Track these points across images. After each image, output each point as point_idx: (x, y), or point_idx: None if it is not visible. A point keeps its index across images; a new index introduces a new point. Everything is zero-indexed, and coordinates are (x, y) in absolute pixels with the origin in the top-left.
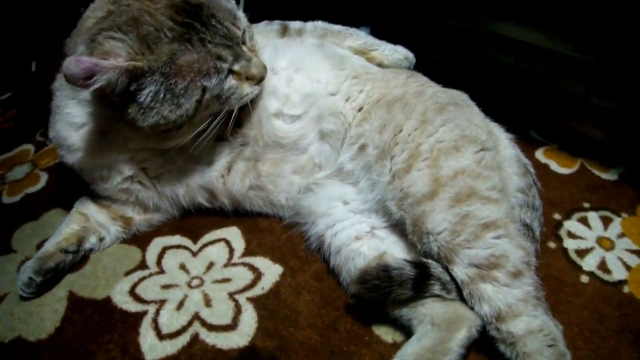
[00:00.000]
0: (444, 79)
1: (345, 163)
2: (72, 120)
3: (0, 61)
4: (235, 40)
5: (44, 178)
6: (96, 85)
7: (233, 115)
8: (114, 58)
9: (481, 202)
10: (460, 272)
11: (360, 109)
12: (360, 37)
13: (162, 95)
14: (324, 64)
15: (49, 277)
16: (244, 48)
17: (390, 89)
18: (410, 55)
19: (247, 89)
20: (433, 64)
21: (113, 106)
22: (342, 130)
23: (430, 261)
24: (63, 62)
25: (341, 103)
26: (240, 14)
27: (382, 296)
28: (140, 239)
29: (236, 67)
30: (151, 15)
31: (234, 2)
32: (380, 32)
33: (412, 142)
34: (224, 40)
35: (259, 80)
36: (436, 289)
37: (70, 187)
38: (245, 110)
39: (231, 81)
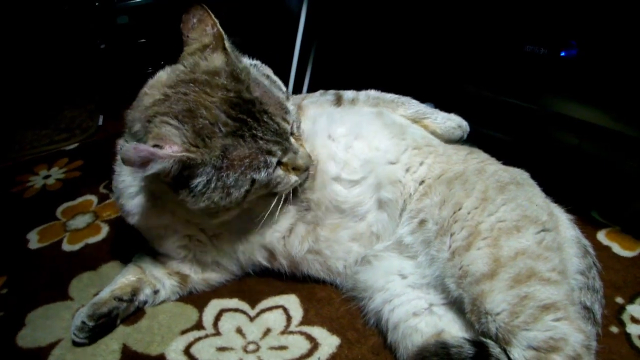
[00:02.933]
0: (506, 157)
1: (405, 236)
2: (127, 190)
3: (69, 112)
4: (285, 136)
5: (104, 230)
6: (151, 172)
7: (279, 203)
8: (170, 145)
9: (541, 284)
10: (518, 354)
11: (421, 183)
12: (412, 106)
13: (213, 185)
14: (383, 132)
15: (102, 323)
16: (292, 140)
17: (451, 164)
18: (464, 123)
19: (294, 178)
20: (495, 142)
21: (166, 185)
22: (401, 201)
23: (489, 341)
24: (118, 142)
25: (401, 173)
26: (290, 105)
27: None
28: (197, 299)
29: (284, 159)
30: (207, 109)
31: (285, 90)
32: (443, 108)
33: (472, 220)
34: (274, 136)
35: (305, 169)
36: None
37: (130, 241)
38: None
39: (279, 172)
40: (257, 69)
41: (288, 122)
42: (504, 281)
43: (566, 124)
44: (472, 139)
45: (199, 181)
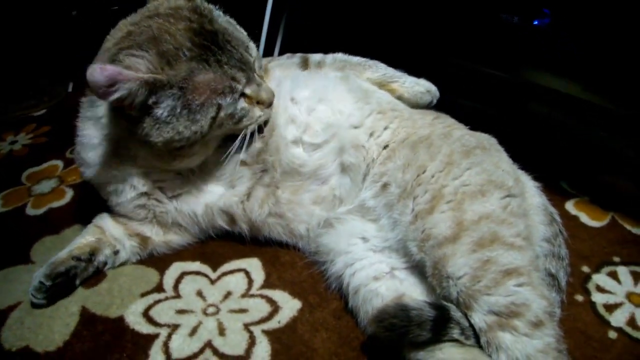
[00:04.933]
0: (475, 124)
1: (368, 200)
2: (90, 141)
3: (38, 79)
4: (249, 65)
5: (69, 194)
6: (117, 95)
7: (245, 139)
8: (135, 72)
9: (504, 249)
10: (479, 319)
11: (385, 147)
12: (379, 69)
13: (178, 110)
14: (347, 96)
15: (59, 283)
16: (255, 74)
17: (416, 128)
18: (433, 88)
19: (258, 112)
20: (465, 109)
21: (128, 120)
22: (364, 165)
23: (450, 305)
24: (81, 100)
25: (364, 137)
26: (252, 44)
27: (399, 336)
28: (159, 262)
29: (248, 91)
30: (171, 35)
31: (245, 33)
32: (416, 75)
33: (436, 184)
34: (238, 63)
35: (268, 104)
36: (455, 333)
37: (93, 205)
38: (264, 137)
39: (243, 103)
40: (219, 13)
41: (251, 55)
42: (466, 245)
43: (538, 93)
44: (443, 108)
45: (164, 105)
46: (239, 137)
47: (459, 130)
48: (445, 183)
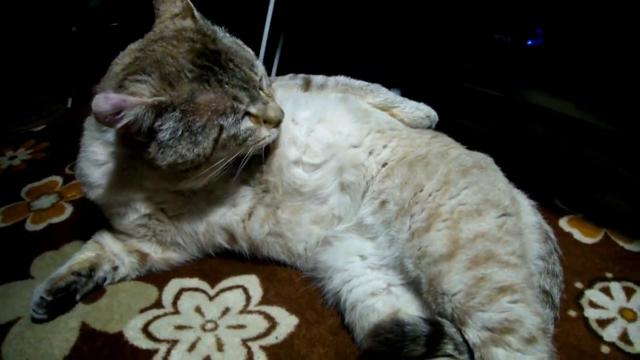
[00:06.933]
0: (472, 144)
1: (366, 217)
2: (95, 158)
3: (38, 94)
4: (252, 84)
5: (68, 210)
6: (124, 121)
7: (245, 158)
8: (139, 97)
9: (499, 266)
10: (473, 334)
11: (384, 165)
12: (380, 94)
13: (180, 132)
14: (347, 117)
15: (60, 298)
16: (262, 93)
17: (414, 147)
18: (433, 113)
19: (265, 132)
20: (462, 129)
21: (135, 145)
22: (363, 183)
23: (444, 320)
24: (86, 119)
25: (363, 155)
26: (258, 62)
27: (394, 351)
28: (158, 278)
29: (253, 110)
30: (173, 58)
31: (251, 52)
32: (411, 95)
33: (433, 202)
34: (240, 82)
35: (276, 123)
36: (449, 348)
37: (93, 221)
38: (267, 158)
39: (248, 123)
40: (225, 33)
41: (256, 74)
42: (461, 262)
43: (532, 112)
44: (440, 127)
45: (167, 128)
46: (243, 159)
47: (456, 150)
48: (442, 202)
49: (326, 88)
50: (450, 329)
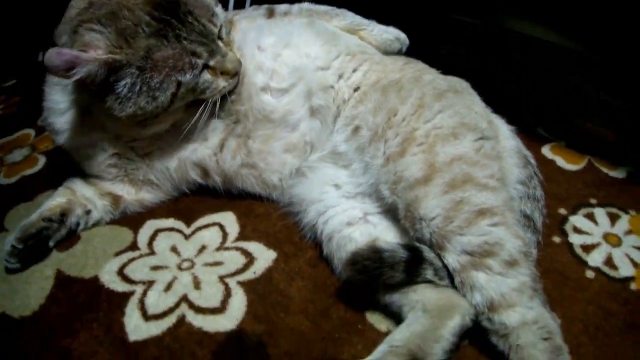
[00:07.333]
0: (452, 72)
1: (339, 144)
2: (57, 106)
3: (7, 49)
4: (211, 37)
5: (41, 161)
6: (76, 77)
7: (205, 103)
8: (94, 50)
9: (477, 189)
10: (452, 259)
11: (356, 89)
12: (347, 17)
13: (138, 88)
14: (314, 40)
15: (31, 245)
16: (220, 44)
17: (387, 72)
18: (403, 36)
19: (222, 83)
20: (441, 58)
21: (92, 94)
22: (334, 107)
23: (423, 246)
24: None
25: (332, 78)
26: (219, 9)
27: (373, 279)
28: (133, 221)
29: (211, 63)
30: (130, 10)
31: None
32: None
33: (407, 127)
34: (199, 37)
35: (234, 74)
36: (429, 274)
37: (66, 170)
38: (236, 88)
39: (206, 75)
40: None
41: (215, 25)
42: (438, 186)
43: (512, 39)
44: (417, 55)
45: (124, 83)
46: (204, 106)
47: (430, 75)
48: (416, 126)
49: (290, 15)
50: (429, 254)
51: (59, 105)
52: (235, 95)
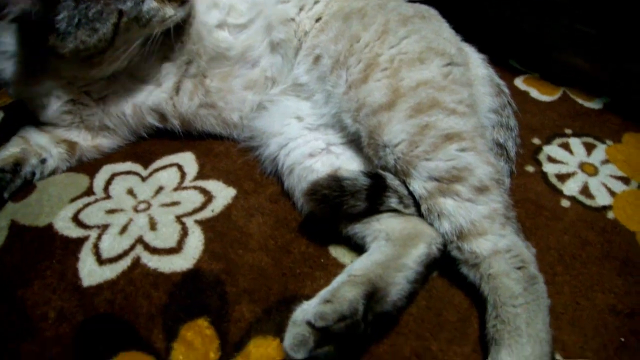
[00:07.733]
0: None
1: (300, 76)
2: (4, 49)
3: None
4: None
5: None
6: (11, 16)
7: (154, 37)
8: None
9: (444, 114)
10: (418, 186)
11: (318, 20)
12: None
13: (76, 20)
14: None
15: None
16: None
17: (350, 1)
18: None
19: (170, 11)
20: None
21: (36, 36)
22: (295, 40)
23: (386, 173)
24: None
25: (293, 11)
26: None
27: (334, 208)
28: (89, 167)
29: None
30: None
31: None
32: None
33: (370, 53)
34: None
35: (182, 1)
36: (393, 202)
37: (26, 123)
38: (184, 28)
39: (151, 3)
40: None
41: None
42: (403, 111)
43: None
44: None
45: (62, 17)
46: (152, 39)
47: (396, 1)
48: (380, 52)
49: None
50: (393, 181)
51: (7, 47)
52: (185, 36)
